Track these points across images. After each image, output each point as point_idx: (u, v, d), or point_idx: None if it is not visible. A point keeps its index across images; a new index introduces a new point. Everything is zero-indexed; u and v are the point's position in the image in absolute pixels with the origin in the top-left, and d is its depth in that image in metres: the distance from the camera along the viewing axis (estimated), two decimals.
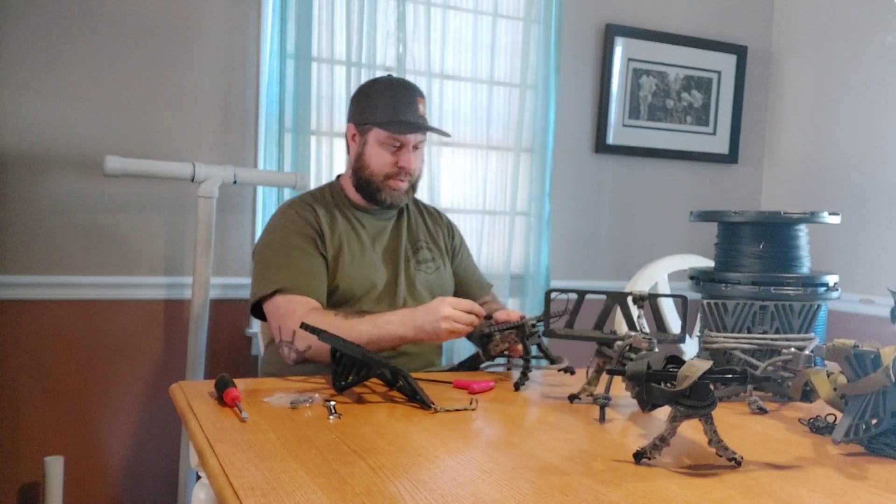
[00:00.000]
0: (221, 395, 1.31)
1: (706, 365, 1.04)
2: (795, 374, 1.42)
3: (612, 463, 1.07)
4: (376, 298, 1.82)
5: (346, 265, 1.80)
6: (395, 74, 2.46)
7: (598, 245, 3.05)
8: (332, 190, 1.93)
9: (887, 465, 1.13)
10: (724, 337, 1.55)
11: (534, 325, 1.56)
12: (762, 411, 1.42)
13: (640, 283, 2.45)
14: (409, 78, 2.54)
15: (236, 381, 1.36)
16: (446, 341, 1.75)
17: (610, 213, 3.06)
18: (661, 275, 2.50)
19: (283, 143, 2.42)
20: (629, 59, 3.02)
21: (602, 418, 1.30)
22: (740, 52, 3.21)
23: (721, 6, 3.21)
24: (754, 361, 1.49)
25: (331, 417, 1.25)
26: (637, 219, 3.11)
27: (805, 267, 1.79)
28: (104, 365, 2.34)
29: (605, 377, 1.42)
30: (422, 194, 2.55)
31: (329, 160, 2.50)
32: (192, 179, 2.23)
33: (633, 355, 1.28)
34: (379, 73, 2.41)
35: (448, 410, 1.33)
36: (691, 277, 1.87)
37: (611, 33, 2.98)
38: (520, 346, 1.59)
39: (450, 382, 1.55)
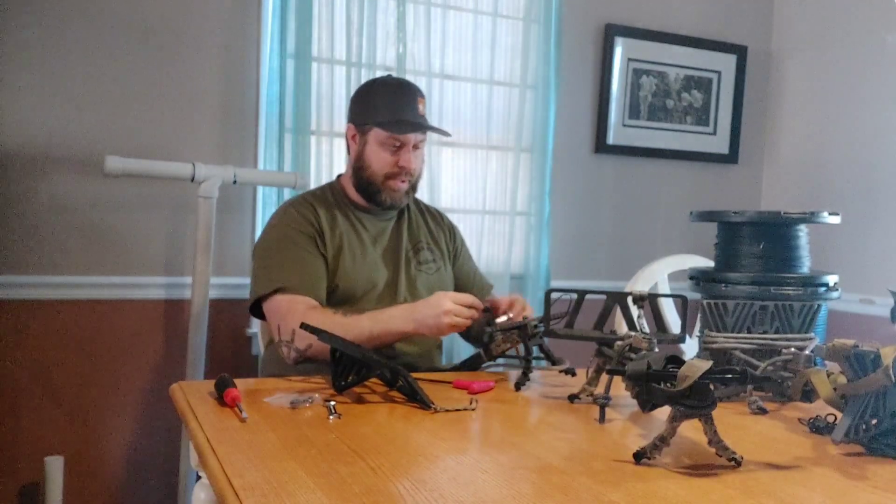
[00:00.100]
0: (221, 395, 1.31)
1: (706, 365, 1.04)
2: (795, 374, 1.42)
3: (612, 463, 1.07)
4: (376, 298, 1.82)
5: (347, 265, 1.80)
6: (395, 74, 2.47)
7: (598, 245, 3.05)
8: (333, 190, 1.93)
9: (887, 465, 1.13)
10: (724, 337, 1.55)
11: (536, 326, 1.56)
12: (762, 411, 1.42)
13: (640, 283, 2.45)
14: (409, 78, 2.53)
15: (236, 381, 1.36)
16: (447, 335, 1.75)
17: (610, 213, 3.06)
18: (661, 275, 2.50)
19: (283, 143, 2.42)
20: (629, 59, 3.02)
21: (602, 418, 1.30)
22: (740, 52, 3.21)
23: (721, 6, 3.21)
24: (754, 361, 1.49)
25: (331, 417, 1.25)
26: (637, 219, 3.11)
27: (805, 267, 1.79)
28: (104, 365, 2.34)
29: (605, 377, 1.42)
30: (422, 194, 2.55)
31: (329, 160, 2.50)
32: (192, 179, 2.23)
33: (633, 355, 1.28)
34: (379, 73, 2.40)
35: (448, 410, 1.33)
36: (691, 277, 1.87)
37: (611, 33, 2.98)
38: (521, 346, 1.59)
39: (450, 382, 1.54)
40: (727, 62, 3.20)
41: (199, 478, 1.32)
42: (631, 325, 1.48)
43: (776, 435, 1.28)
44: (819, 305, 1.63)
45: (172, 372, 2.36)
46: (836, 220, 1.79)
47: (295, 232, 1.79)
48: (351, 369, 1.40)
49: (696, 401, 1.04)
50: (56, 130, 2.25)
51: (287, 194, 2.39)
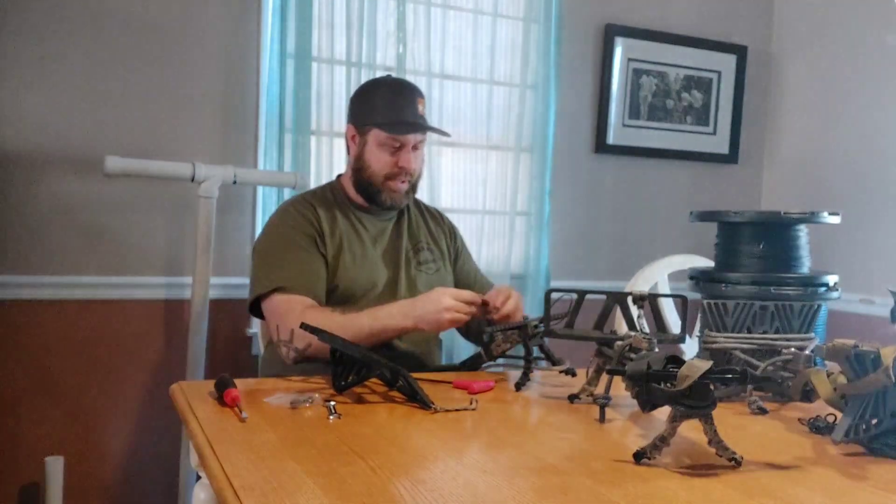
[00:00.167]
0: (221, 396, 1.31)
1: (706, 365, 1.04)
2: (795, 374, 1.42)
3: (612, 463, 1.07)
4: (377, 298, 1.81)
5: (347, 265, 1.80)
6: (395, 74, 2.47)
7: (598, 245, 3.05)
8: (333, 189, 1.93)
9: (887, 465, 1.13)
10: (724, 337, 1.55)
11: (536, 326, 1.56)
12: (762, 411, 1.42)
13: (640, 283, 2.44)
14: (409, 78, 2.53)
15: (236, 381, 1.36)
16: (446, 330, 1.75)
17: (610, 213, 3.06)
18: (661, 275, 2.50)
19: (283, 143, 2.42)
20: (629, 59, 3.02)
21: (602, 418, 1.30)
22: (740, 52, 3.21)
23: (721, 6, 3.21)
24: (754, 361, 1.49)
25: (331, 417, 1.25)
26: (637, 219, 3.11)
27: (805, 267, 1.79)
28: (104, 365, 2.34)
29: (605, 377, 1.42)
30: (422, 194, 2.54)
31: (329, 160, 2.50)
32: (192, 179, 2.23)
33: (633, 355, 1.28)
34: (379, 73, 2.40)
35: (448, 410, 1.33)
36: (691, 277, 1.87)
37: (611, 33, 2.98)
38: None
39: (450, 382, 1.54)
40: (727, 62, 3.20)
41: (199, 478, 1.32)
42: (631, 325, 1.48)
43: (776, 435, 1.28)
44: (819, 305, 1.63)
45: (172, 372, 2.36)
46: (836, 220, 1.79)
47: (295, 232, 1.79)
48: (351, 369, 1.40)
49: (696, 401, 1.04)
50: (56, 130, 2.25)
51: (287, 194, 2.38)
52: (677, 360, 1.10)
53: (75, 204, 2.28)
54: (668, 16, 3.09)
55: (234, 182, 2.30)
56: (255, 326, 2.41)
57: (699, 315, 1.74)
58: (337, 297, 1.78)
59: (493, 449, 1.15)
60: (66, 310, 2.29)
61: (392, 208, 1.90)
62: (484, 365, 1.71)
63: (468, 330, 1.96)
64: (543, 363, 1.65)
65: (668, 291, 2.44)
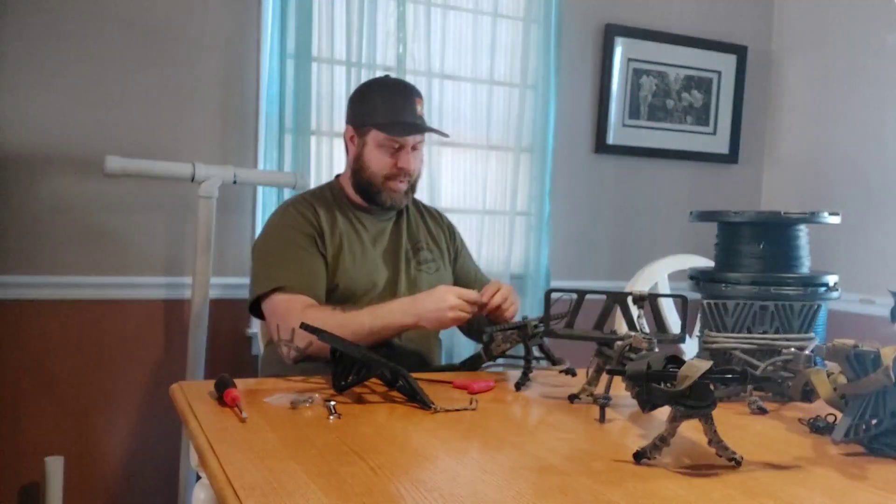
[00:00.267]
0: (221, 396, 1.31)
1: (706, 365, 1.04)
2: (795, 374, 1.42)
3: (612, 463, 1.07)
4: (376, 298, 1.81)
5: (347, 264, 1.80)
6: (395, 74, 2.47)
7: (598, 245, 3.05)
8: (332, 189, 1.93)
9: (887, 465, 1.13)
10: (725, 337, 1.55)
11: (536, 326, 1.56)
12: (762, 411, 1.42)
13: (640, 283, 2.44)
14: (409, 78, 2.54)
15: (236, 381, 1.36)
16: (447, 329, 1.76)
17: (610, 213, 3.06)
18: (661, 275, 2.50)
19: (283, 143, 2.42)
20: (629, 59, 3.02)
21: (602, 418, 1.30)
22: (740, 52, 3.21)
23: (721, 6, 3.21)
24: (754, 361, 1.49)
25: (331, 417, 1.25)
26: (637, 219, 3.11)
27: (805, 267, 1.79)
28: (104, 365, 2.34)
29: (605, 377, 1.42)
30: (422, 195, 2.55)
31: (329, 160, 2.50)
32: (192, 179, 2.23)
33: (633, 355, 1.28)
34: (379, 74, 2.41)
35: (448, 410, 1.33)
36: (691, 277, 1.87)
37: (611, 33, 2.98)
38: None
39: (450, 382, 1.54)
40: (727, 62, 3.20)
41: (199, 478, 1.32)
42: (631, 325, 1.48)
43: (776, 435, 1.28)
44: (819, 305, 1.63)
45: (172, 372, 2.36)
46: (836, 220, 1.79)
47: (294, 231, 1.79)
48: (351, 369, 1.40)
49: (696, 401, 1.04)
50: (56, 130, 2.25)
51: (287, 194, 2.38)
52: (677, 360, 1.10)
53: (75, 204, 2.28)
54: (668, 16, 3.09)
55: (234, 182, 2.30)
56: (255, 326, 2.41)
57: (699, 315, 1.74)
58: (337, 297, 1.78)
59: (493, 449, 1.15)
60: (66, 310, 2.29)
61: (391, 209, 1.90)
62: (484, 365, 1.71)
63: (468, 329, 1.96)
64: (543, 363, 1.65)
65: (668, 291, 2.44)
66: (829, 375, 1.29)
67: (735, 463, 1.06)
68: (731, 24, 3.22)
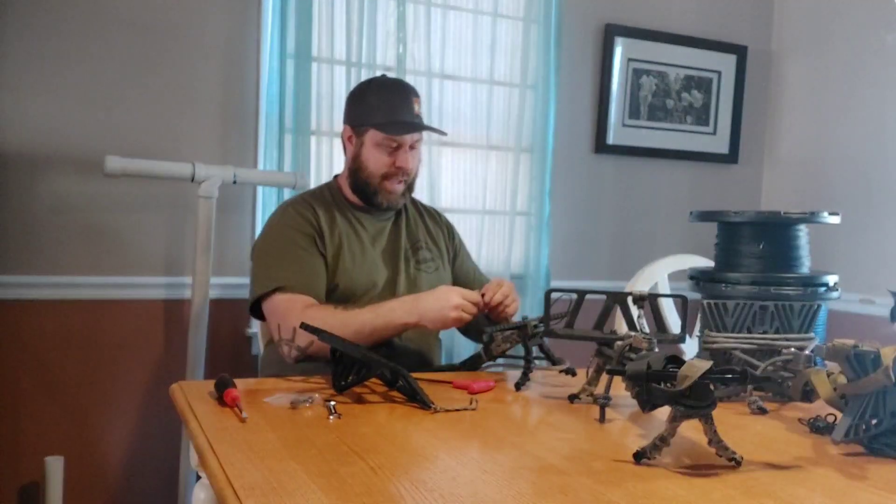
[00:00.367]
0: (221, 395, 1.31)
1: (706, 365, 1.04)
2: (795, 374, 1.42)
3: (612, 463, 1.07)
4: (376, 298, 1.81)
5: (347, 264, 1.80)
6: (395, 74, 2.47)
7: (598, 245, 3.05)
8: (331, 189, 1.93)
9: (887, 465, 1.13)
10: (724, 337, 1.55)
11: (536, 326, 1.56)
12: (762, 411, 1.42)
13: (640, 283, 2.44)
14: (409, 78, 2.54)
15: (236, 381, 1.36)
16: (448, 328, 1.75)
17: (610, 213, 3.06)
18: (661, 275, 2.50)
19: (283, 143, 2.42)
20: (629, 59, 3.02)
21: (602, 418, 1.30)
22: (740, 52, 3.21)
23: (721, 6, 3.21)
24: (754, 361, 1.49)
25: (331, 417, 1.25)
26: (637, 219, 3.11)
27: (805, 267, 1.79)
28: (104, 365, 2.34)
29: (605, 377, 1.42)
30: (422, 195, 2.55)
31: (329, 160, 2.50)
32: (192, 179, 2.23)
33: (633, 355, 1.28)
34: (379, 73, 2.40)
35: (448, 410, 1.33)
36: (691, 277, 1.87)
37: (611, 33, 2.98)
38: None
39: (450, 382, 1.54)
40: (727, 62, 3.20)
41: (199, 478, 1.32)
42: (631, 325, 1.48)
43: (776, 435, 1.28)
44: (819, 305, 1.63)
45: (172, 372, 2.36)
46: (836, 220, 1.79)
47: (294, 231, 1.79)
48: (351, 369, 1.40)
49: (696, 401, 1.04)
50: (56, 130, 2.25)
51: (287, 194, 2.39)
52: (677, 360, 1.10)
53: (75, 204, 2.28)
54: (667, 16, 3.09)
55: (234, 182, 2.30)
56: (255, 326, 2.41)
57: (699, 315, 1.74)
58: (337, 297, 1.78)
59: (493, 449, 1.15)
60: (66, 310, 2.29)
61: (389, 208, 1.90)
62: (484, 365, 1.71)
63: (468, 329, 1.96)
64: (543, 363, 1.65)
65: (668, 291, 2.44)
66: (829, 375, 1.29)
67: (735, 463, 1.06)
68: (731, 24, 3.22)
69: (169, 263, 2.40)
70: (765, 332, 1.59)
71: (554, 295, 1.50)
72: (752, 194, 3.32)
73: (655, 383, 1.08)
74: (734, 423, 1.33)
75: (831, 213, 1.78)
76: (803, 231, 1.80)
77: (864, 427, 1.18)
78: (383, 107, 1.82)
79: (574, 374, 1.60)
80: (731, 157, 3.25)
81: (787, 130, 3.26)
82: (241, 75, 2.46)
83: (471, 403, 1.37)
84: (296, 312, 1.65)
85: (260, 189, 2.48)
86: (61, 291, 2.28)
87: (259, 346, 2.26)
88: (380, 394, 1.44)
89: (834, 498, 0.98)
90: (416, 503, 0.89)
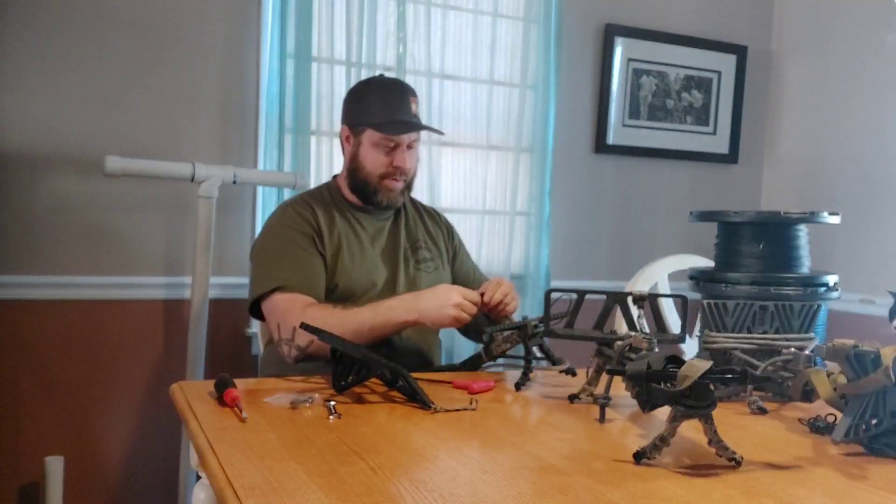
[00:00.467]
0: (221, 395, 1.31)
1: (706, 365, 1.04)
2: (795, 374, 1.42)
3: (612, 463, 1.07)
4: (375, 297, 1.81)
5: (346, 264, 1.80)
6: (395, 74, 2.47)
7: (598, 245, 3.05)
8: (330, 190, 1.93)
9: (887, 465, 1.13)
10: (724, 337, 1.55)
11: (536, 326, 1.56)
12: (762, 411, 1.42)
13: (640, 283, 2.44)
14: (409, 78, 2.54)
15: (236, 381, 1.36)
16: (448, 327, 1.75)
17: (610, 213, 3.06)
18: (661, 275, 2.50)
19: (283, 143, 2.42)
20: (629, 59, 3.02)
21: (602, 418, 1.30)
22: (740, 52, 3.21)
23: (721, 6, 3.21)
24: (754, 361, 1.49)
25: (331, 417, 1.25)
26: (637, 219, 3.11)
27: (805, 267, 1.79)
28: (104, 365, 2.34)
29: (605, 377, 1.42)
30: (422, 194, 2.55)
31: (329, 160, 2.50)
32: (192, 179, 2.23)
33: (633, 355, 1.28)
34: (379, 74, 2.40)
35: (448, 410, 1.33)
36: (691, 277, 1.87)
37: (611, 33, 2.98)
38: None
39: (450, 382, 1.54)
40: (727, 62, 3.20)
41: (199, 478, 1.32)
42: (631, 325, 1.48)
43: (776, 435, 1.28)
44: (819, 305, 1.63)
45: (172, 372, 2.36)
46: (836, 220, 1.79)
47: (293, 232, 1.79)
48: (351, 369, 1.40)
49: (696, 401, 1.04)
50: (56, 130, 2.25)
51: (287, 194, 2.39)
52: (677, 360, 1.10)
53: (75, 204, 2.28)
54: (667, 16, 3.09)
55: (234, 182, 2.30)
56: (255, 326, 2.41)
57: (699, 315, 1.74)
58: (336, 297, 1.78)
59: (493, 449, 1.15)
60: (66, 310, 2.29)
61: (388, 208, 1.90)
62: (484, 365, 1.71)
63: (468, 329, 1.96)
64: (543, 363, 1.65)
65: (668, 291, 2.44)
66: (829, 375, 1.29)
67: (735, 463, 1.06)
68: (731, 24, 3.22)
69: (169, 263, 2.40)
70: (765, 332, 1.59)
71: (554, 295, 1.50)
72: (752, 194, 3.32)
73: (655, 383, 1.08)
74: (734, 423, 1.33)
75: (831, 213, 1.78)
76: (803, 231, 1.80)
77: (864, 427, 1.18)
78: (380, 107, 1.82)
79: (574, 374, 1.60)
80: (731, 157, 3.25)
81: (787, 130, 3.26)
82: (241, 75, 2.46)
83: (471, 403, 1.37)
84: (295, 312, 1.65)
85: (260, 189, 2.48)
86: (61, 291, 2.28)
87: (259, 346, 2.26)
88: (380, 394, 1.44)
89: (834, 498, 0.98)
90: (416, 503, 0.89)
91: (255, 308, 1.79)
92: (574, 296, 1.49)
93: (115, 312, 2.34)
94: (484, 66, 2.75)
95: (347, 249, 1.82)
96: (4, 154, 2.21)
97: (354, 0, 2.49)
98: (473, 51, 2.74)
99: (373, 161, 1.83)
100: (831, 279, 1.76)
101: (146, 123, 2.34)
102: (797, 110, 3.22)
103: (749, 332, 1.60)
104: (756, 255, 1.76)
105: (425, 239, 1.97)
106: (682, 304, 1.48)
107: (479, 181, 2.77)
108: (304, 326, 1.46)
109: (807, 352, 1.45)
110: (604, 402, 1.31)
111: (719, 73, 3.19)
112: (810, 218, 1.77)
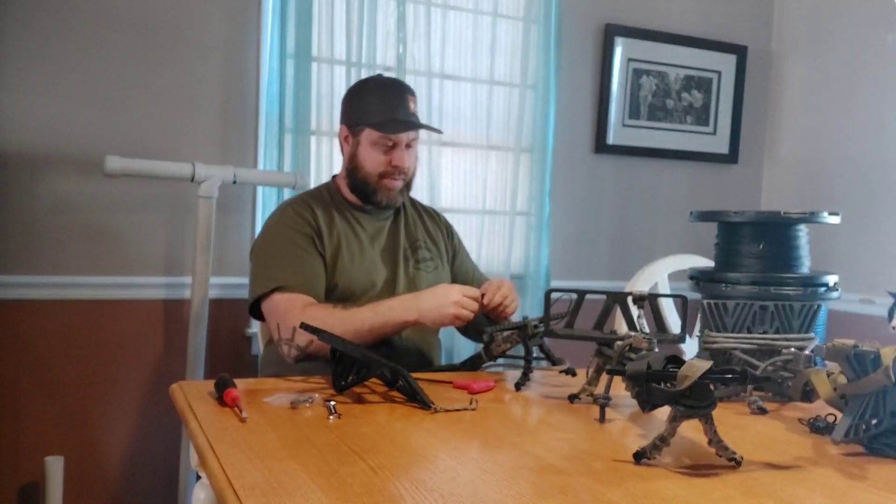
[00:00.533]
0: (221, 395, 1.31)
1: (706, 365, 1.04)
2: (795, 374, 1.42)
3: (612, 463, 1.07)
4: (375, 297, 1.81)
5: (346, 264, 1.80)
6: (395, 74, 2.47)
7: (598, 245, 3.05)
8: (329, 190, 1.93)
9: (887, 465, 1.13)
10: (724, 337, 1.55)
11: (536, 326, 1.56)
12: (762, 411, 1.42)
13: (640, 283, 2.44)
14: (409, 78, 2.54)
15: (236, 381, 1.36)
16: (448, 326, 1.76)
17: (610, 213, 3.06)
18: (661, 275, 2.50)
19: (283, 143, 2.42)
20: (629, 59, 3.02)
21: (602, 418, 1.30)
22: (740, 52, 3.21)
23: (721, 6, 3.21)
24: (754, 361, 1.49)
25: (331, 417, 1.25)
26: (637, 219, 3.11)
27: (805, 267, 1.79)
28: (104, 365, 2.34)
29: (605, 377, 1.42)
30: (422, 194, 2.55)
31: (329, 160, 2.50)
32: (192, 179, 2.23)
33: (633, 355, 1.28)
34: (378, 73, 2.40)
35: (448, 410, 1.33)
36: (691, 277, 1.87)
37: (611, 33, 2.98)
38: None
39: (450, 382, 1.54)
40: (727, 62, 3.20)
41: (199, 478, 1.32)
42: (631, 325, 1.48)
43: (776, 435, 1.28)
44: (819, 305, 1.63)
45: (172, 372, 2.36)
46: (836, 220, 1.79)
47: (293, 232, 1.79)
48: (351, 369, 1.40)
49: (696, 401, 1.04)
50: (56, 130, 2.25)
51: (287, 194, 2.38)
52: (677, 360, 1.10)
53: (75, 204, 2.28)
54: (667, 16, 3.09)
55: (234, 182, 2.30)
56: (255, 326, 2.41)
57: (699, 315, 1.74)
58: (336, 297, 1.78)
59: (493, 449, 1.15)
60: (66, 310, 2.29)
61: (388, 207, 1.90)
62: (484, 365, 1.71)
63: (468, 329, 1.96)
64: (543, 363, 1.65)
65: (668, 291, 2.44)
66: (829, 375, 1.29)
67: (735, 463, 1.06)
68: (731, 24, 3.22)
69: (169, 263, 2.40)
70: (765, 332, 1.59)
71: (554, 295, 1.50)
72: (752, 194, 3.32)
73: (655, 383, 1.08)
74: (734, 423, 1.33)
75: (831, 213, 1.78)
76: (803, 231, 1.80)
77: (864, 427, 1.19)
78: (379, 106, 1.82)
79: (574, 374, 1.60)
80: (731, 157, 3.25)
81: (787, 130, 3.26)
82: (241, 75, 2.46)
83: (471, 403, 1.37)
84: (295, 312, 1.65)
85: (260, 189, 2.48)
86: (61, 291, 2.28)
87: (259, 346, 2.26)
88: (380, 394, 1.44)
89: (834, 498, 0.98)
90: (416, 503, 0.89)
91: (254, 308, 1.79)
92: (574, 296, 1.49)
93: (115, 312, 2.34)
94: (484, 66, 2.75)
95: (347, 249, 1.82)
96: (4, 154, 2.21)
97: (354, 0, 2.49)
98: (473, 51, 2.74)
99: (372, 160, 1.83)
100: (831, 279, 1.76)
101: (146, 123, 2.34)
102: (797, 110, 3.22)
103: (749, 332, 1.60)
104: (756, 255, 1.76)
105: (425, 239, 1.97)
106: (682, 304, 1.48)
107: (479, 181, 2.77)
108: (304, 326, 1.46)
109: (807, 352, 1.45)
110: (604, 402, 1.31)
111: (719, 73, 3.19)
112: (810, 218, 1.77)
